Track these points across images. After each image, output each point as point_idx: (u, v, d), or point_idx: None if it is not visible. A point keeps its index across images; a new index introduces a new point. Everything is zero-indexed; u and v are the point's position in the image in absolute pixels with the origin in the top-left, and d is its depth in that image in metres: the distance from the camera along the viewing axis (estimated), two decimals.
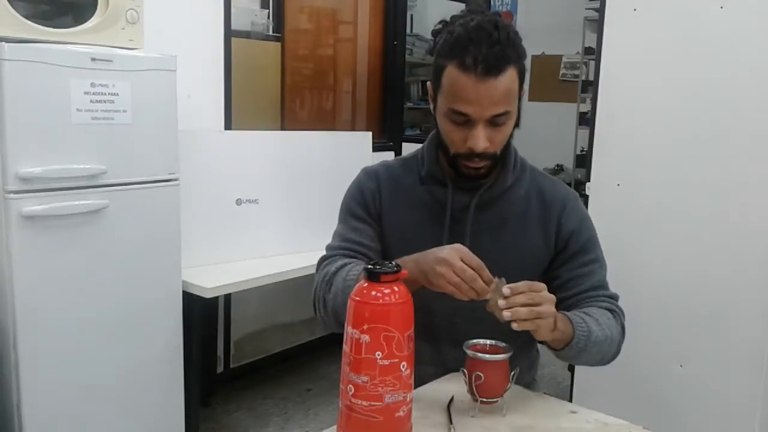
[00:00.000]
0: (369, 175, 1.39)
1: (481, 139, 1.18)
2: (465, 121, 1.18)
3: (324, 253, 1.36)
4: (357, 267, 1.24)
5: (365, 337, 0.95)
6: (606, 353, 1.28)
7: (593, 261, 1.34)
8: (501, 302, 1.07)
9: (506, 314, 1.06)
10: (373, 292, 0.96)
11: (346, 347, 0.98)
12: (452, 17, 1.23)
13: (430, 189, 1.33)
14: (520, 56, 1.17)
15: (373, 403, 0.96)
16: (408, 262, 1.12)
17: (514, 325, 1.07)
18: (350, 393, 0.97)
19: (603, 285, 1.34)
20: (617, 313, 1.32)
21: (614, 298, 1.34)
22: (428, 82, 1.27)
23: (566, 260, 1.33)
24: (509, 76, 1.16)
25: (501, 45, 1.14)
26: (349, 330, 0.97)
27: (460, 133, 1.20)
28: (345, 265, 1.27)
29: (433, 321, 1.32)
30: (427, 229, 1.32)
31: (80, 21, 1.96)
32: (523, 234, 1.32)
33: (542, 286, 1.12)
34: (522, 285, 1.10)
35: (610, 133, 2.37)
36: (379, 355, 0.95)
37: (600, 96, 2.38)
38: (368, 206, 1.36)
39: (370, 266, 0.98)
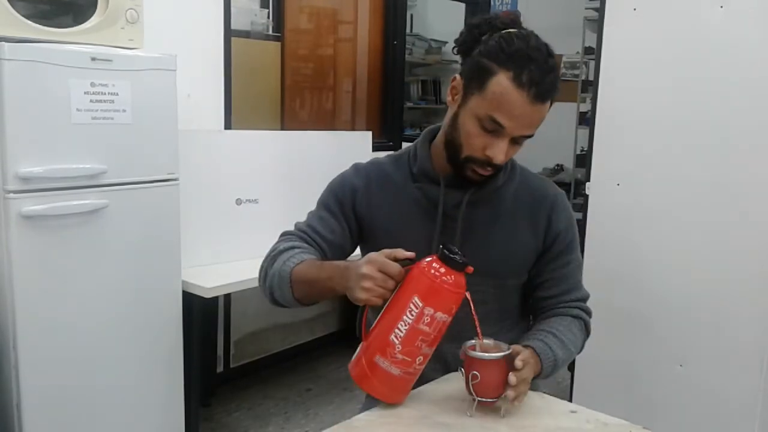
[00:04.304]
0: (358, 172, 1.39)
1: (503, 153, 1.20)
2: (494, 131, 1.19)
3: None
4: (301, 255, 1.27)
5: (441, 316, 1.05)
6: (568, 363, 1.38)
7: (572, 261, 1.38)
8: (510, 393, 1.10)
9: (517, 403, 1.12)
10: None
11: (426, 327, 1.05)
12: (491, 19, 1.23)
13: (422, 186, 1.33)
14: (558, 89, 1.21)
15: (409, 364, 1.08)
16: (333, 270, 1.17)
17: (516, 402, 1.12)
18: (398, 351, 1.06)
19: (576, 286, 1.39)
20: (584, 319, 1.37)
21: (584, 299, 1.39)
22: (457, 76, 1.25)
23: (550, 260, 1.36)
24: (548, 105, 1.20)
25: (554, 74, 1.18)
26: (434, 312, 1.05)
27: (484, 139, 1.20)
28: (293, 248, 1.30)
29: None
30: (419, 226, 1.32)
31: (80, 21, 1.96)
32: (514, 231, 1.34)
33: (529, 351, 1.19)
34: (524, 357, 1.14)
35: (610, 133, 2.37)
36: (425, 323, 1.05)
37: (600, 96, 2.38)
38: (344, 203, 1.37)
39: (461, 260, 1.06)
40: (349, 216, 1.37)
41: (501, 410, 1.14)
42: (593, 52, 2.45)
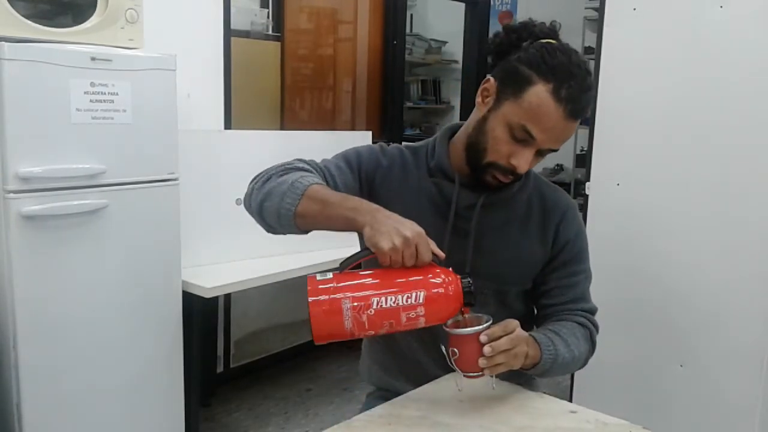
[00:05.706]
0: (384, 152, 1.37)
1: (527, 163, 1.21)
2: (524, 140, 1.19)
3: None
4: (315, 178, 1.21)
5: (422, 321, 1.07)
6: (570, 370, 1.34)
7: (580, 272, 1.37)
8: (482, 362, 1.10)
9: (486, 372, 1.10)
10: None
11: (404, 319, 1.06)
12: (530, 26, 1.23)
13: (437, 182, 1.33)
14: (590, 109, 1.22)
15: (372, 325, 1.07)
16: (362, 205, 1.12)
17: (487, 372, 1.11)
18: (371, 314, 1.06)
19: (584, 297, 1.37)
20: (590, 329, 1.35)
21: (592, 312, 1.38)
22: (490, 78, 1.24)
23: (556, 268, 1.36)
24: (578, 123, 1.20)
25: (590, 93, 1.19)
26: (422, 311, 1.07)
27: (511, 146, 1.20)
28: (310, 171, 1.26)
29: None
30: (430, 220, 1.31)
31: (80, 21, 1.96)
32: (524, 238, 1.34)
33: (515, 324, 1.14)
34: (499, 330, 1.11)
35: (610, 132, 2.37)
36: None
37: (600, 96, 2.38)
38: (365, 169, 1.34)
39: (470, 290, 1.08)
40: (365, 182, 1.34)
41: (491, 384, 1.15)
42: (593, 52, 2.44)
